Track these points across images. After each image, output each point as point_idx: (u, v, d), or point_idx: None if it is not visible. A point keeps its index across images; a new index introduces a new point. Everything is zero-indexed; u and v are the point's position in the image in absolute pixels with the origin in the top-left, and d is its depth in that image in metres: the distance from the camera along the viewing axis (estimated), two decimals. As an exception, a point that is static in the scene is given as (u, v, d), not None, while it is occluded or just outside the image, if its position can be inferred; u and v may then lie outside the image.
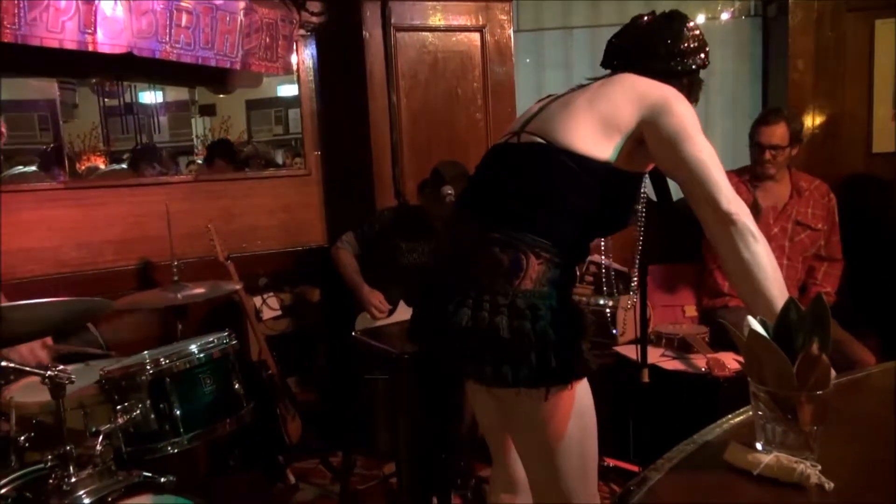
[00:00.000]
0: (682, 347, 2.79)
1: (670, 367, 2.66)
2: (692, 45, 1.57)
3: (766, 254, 1.26)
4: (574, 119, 1.43)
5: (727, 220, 1.27)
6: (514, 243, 1.35)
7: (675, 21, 1.59)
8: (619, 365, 2.85)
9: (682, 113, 1.38)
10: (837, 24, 3.43)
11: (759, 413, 0.96)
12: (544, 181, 1.40)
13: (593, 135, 1.40)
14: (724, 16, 3.79)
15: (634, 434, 2.48)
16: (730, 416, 1.12)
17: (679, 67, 1.55)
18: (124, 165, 4.34)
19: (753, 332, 0.95)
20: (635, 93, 1.43)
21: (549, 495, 1.48)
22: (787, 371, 0.92)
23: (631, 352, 2.60)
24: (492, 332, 1.29)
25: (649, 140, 1.39)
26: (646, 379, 2.39)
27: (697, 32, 1.59)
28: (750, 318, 0.98)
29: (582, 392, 1.43)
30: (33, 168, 3.72)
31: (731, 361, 2.58)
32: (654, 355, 2.70)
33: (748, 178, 3.03)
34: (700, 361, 2.64)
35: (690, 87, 1.56)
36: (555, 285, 1.34)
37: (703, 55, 1.58)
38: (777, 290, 1.23)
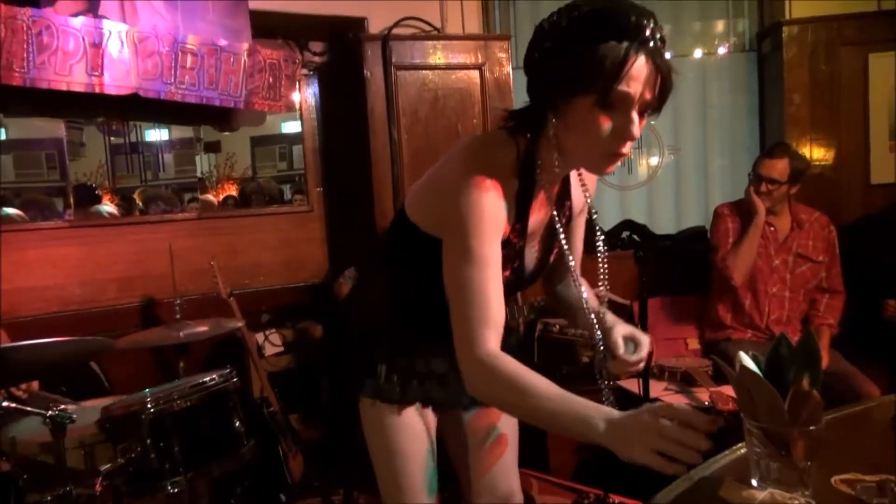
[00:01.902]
0: (685, 381, 2.78)
1: (673, 400, 2.64)
2: (550, 49, 1.15)
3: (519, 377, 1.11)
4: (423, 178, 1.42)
5: (477, 363, 1.15)
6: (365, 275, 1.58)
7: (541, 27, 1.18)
8: (621, 399, 2.83)
9: (454, 223, 1.19)
10: (831, 58, 3.47)
11: (754, 449, 0.96)
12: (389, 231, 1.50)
13: (416, 200, 1.38)
14: (721, 50, 3.85)
15: (637, 468, 2.45)
16: (726, 451, 1.12)
17: (535, 99, 1.23)
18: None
19: (744, 367, 0.96)
20: (429, 181, 1.34)
21: None
22: (778, 406, 0.92)
23: (634, 386, 2.59)
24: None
25: None
26: (648, 413, 2.38)
27: (563, 23, 1.13)
28: (741, 353, 0.98)
29: (395, 420, 1.46)
30: (12, 209, 3.63)
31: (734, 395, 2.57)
32: (658, 389, 2.69)
33: (741, 211, 3.04)
34: (703, 395, 2.62)
35: (571, 118, 1.16)
36: (382, 317, 1.48)
37: (574, 63, 1.11)
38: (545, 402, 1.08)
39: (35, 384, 2.29)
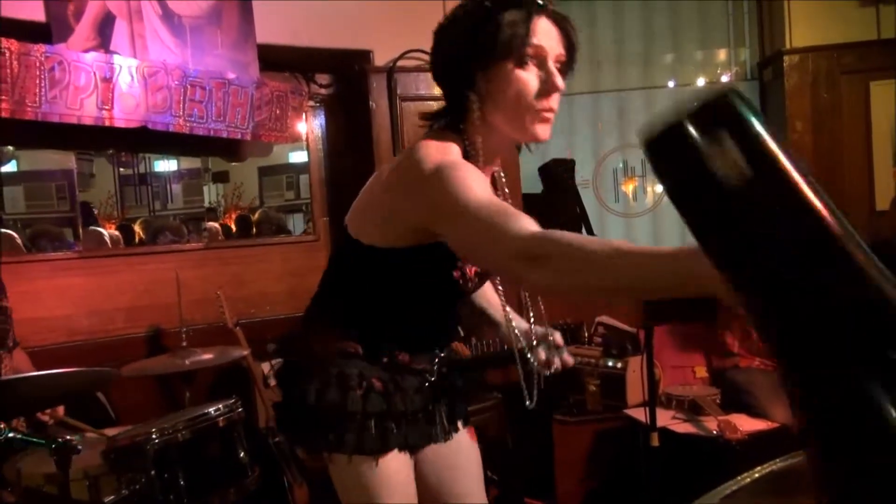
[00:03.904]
0: (692, 409, 2.75)
1: (681, 429, 2.62)
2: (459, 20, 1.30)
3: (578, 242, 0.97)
4: (362, 192, 1.42)
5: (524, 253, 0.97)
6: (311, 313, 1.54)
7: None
8: (628, 428, 2.82)
9: (440, 200, 1.12)
10: (832, 86, 3.50)
11: None
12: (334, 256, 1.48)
13: (359, 214, 1.42)
14: (723, 79, 3.89)
15: (645, 499, 2.43)
16: (758, 468, 1.11)
17: (454, 67, 1.31)
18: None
19: None
20: (384, 188, 1.34)
21: None
22: None
23: (641, 414, 2.57)
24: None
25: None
26: (655, 442, 2.36)
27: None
28: None
29: (377, 474, 1.35)
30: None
31: (743, 423, 2.54)
32: (665, 418, 2.67)
33: None
34: (711, 424, 2.60)
35: (494, 88, 1.22)
36: (343, 355, 1.39)
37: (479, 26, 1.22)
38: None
39: (60, 410, 2.27)
